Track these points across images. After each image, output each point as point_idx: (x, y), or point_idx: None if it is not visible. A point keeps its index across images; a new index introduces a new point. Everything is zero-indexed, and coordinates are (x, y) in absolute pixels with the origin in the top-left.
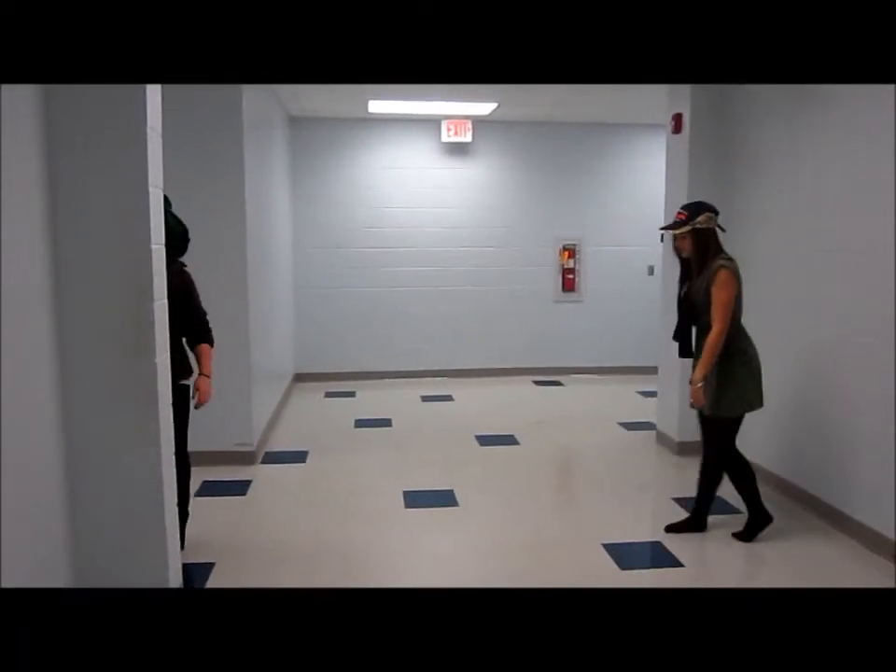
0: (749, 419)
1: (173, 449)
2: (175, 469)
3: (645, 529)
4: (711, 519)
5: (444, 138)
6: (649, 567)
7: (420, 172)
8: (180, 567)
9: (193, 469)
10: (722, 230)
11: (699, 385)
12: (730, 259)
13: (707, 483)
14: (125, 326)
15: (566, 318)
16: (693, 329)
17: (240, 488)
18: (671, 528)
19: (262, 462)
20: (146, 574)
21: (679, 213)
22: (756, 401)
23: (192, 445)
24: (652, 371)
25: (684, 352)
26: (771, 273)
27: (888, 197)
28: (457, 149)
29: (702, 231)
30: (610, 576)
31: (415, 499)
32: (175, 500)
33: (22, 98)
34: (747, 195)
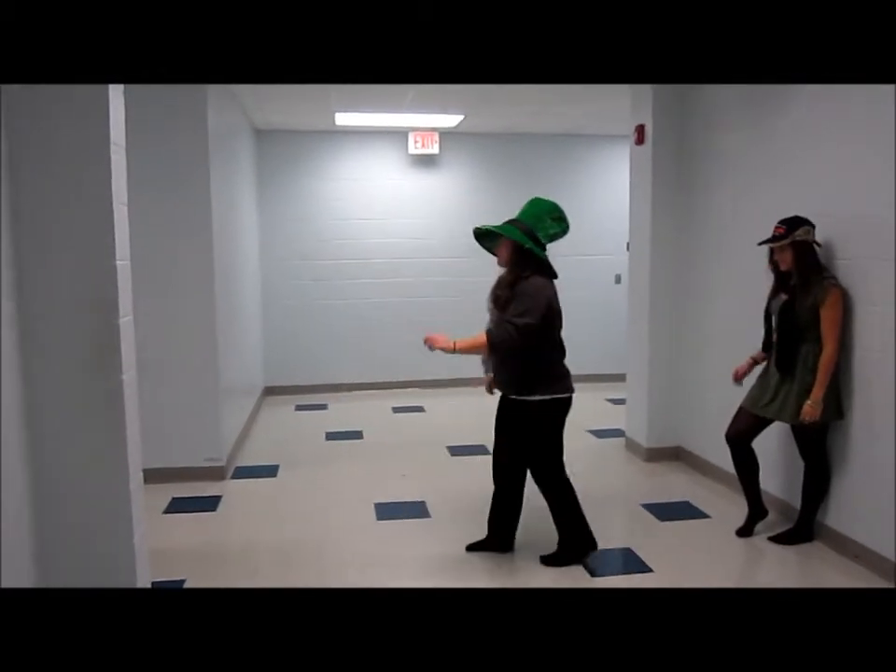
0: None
1: (140, 465)
2: (142, 486)
3: (616, 536)
4: (672, 524)
5: (411, 150)
6: (620, 574)
7: (388, 184)
8: (150, 585)
9: (160, 486)
10: (819, 245)
11: (820, 404)
12: (835, 277)
13: (818, 489)
14: (91, 343)
15: None
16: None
17: (210, 504)
18: (775, 538)
19: (232, 477)
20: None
21: (778, 227)
22: (841, 406)
23: (160, 461)
24: (621, 378)
25: (786, 366)
26: (734, 280)
27: (850, 199)
28: (425, 161)
29: (802, 243)
30: (583, 584)
31: (387, 511)
32: (142, 519)
33: None
34: (709, 203)
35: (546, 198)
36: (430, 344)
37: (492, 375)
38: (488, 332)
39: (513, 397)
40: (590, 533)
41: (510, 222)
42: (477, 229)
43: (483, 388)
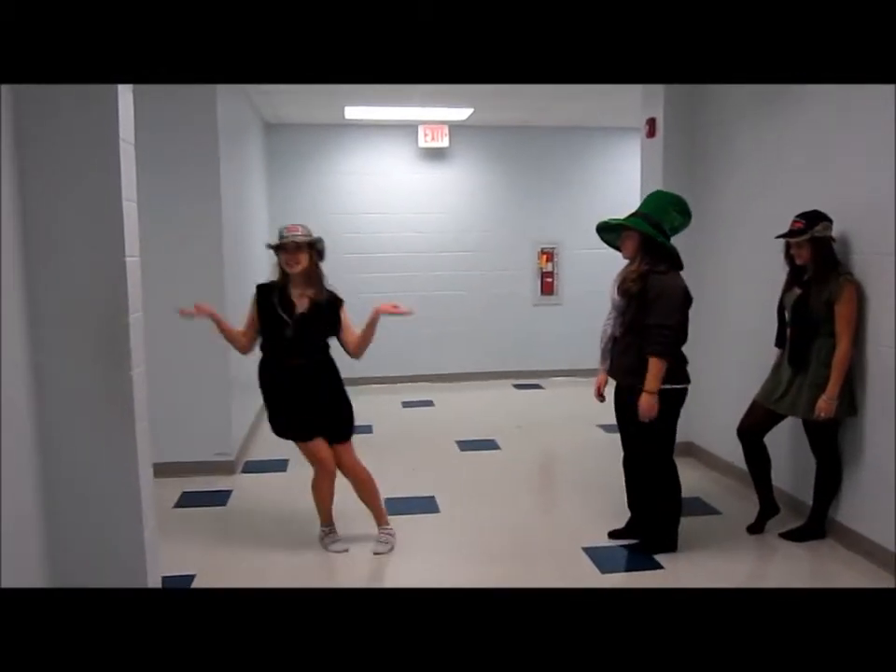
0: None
1: (150, 460)
2: (152, 480)
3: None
4: (682, 521)
5: (421, 143)
6: (629, 571)
7: (397, 177)
8: (160, 579)
9: (171, 480)
10: (834, 240)
11: (834, 400)
12: (851, 273)
13: (830, 486)
14: (101, 339)
15: (545, 321)
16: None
17: (220, 498)
18: (786, 535)
19: (243, 472)
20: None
21: (796, 221)
22: (855, 402)
23: (171, 456)
24: None
25: (799, 361)
26: (746, 274)
27: (862, 196)
28: (434, 154)
29: (820, 239)
30: (591, 579)
31: (396, 506)
32: (152, 513)
33: None
34: (720, 197)
35: (669, 190)
36: (645, 415)
37: (606, 369)
38: (655, 353)
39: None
40: (677, 530)
41: (635, 215)
42: (603, 222)
43: (493, 382)
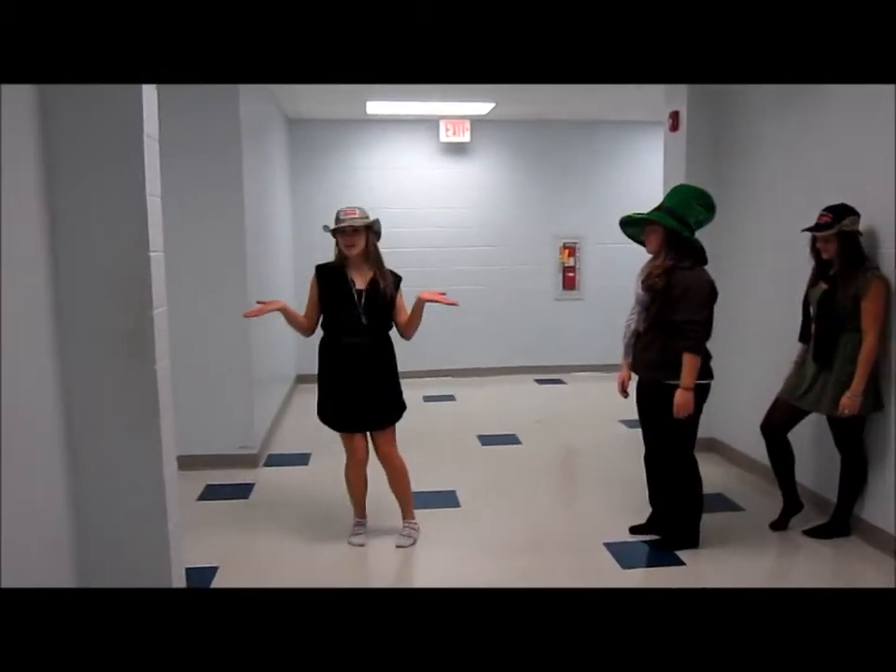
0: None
1: (175, 454)
2: (176, 474)
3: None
4: (705, 517)
5: (443, 138)
6: (650, 566)
7: (419, 172)
8: (183, 571)
9: (195, 473)
10: (860, 234)
11: (859, 397)
12: (878, 268)
13: (855, 483)
14: (125, 333)
15: (567, 316)
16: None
17: (243, 491)
18: (810, 532)
19: (265, 465)
20: (148, 578)
21: (823, 215)
22: (880, 398)
23: (194, 449)
24: None
25: (824, 357)
26: (771, 269)
27: (884, 194)
28: (456, 149)
29: (848, 233)
30: (612, 575)
31: (418, 500)
32: (176, 506)
33: (19, 107)
34: (744, 192)
35: (692, 184)
36: (682, 412)
37: (629, 364)
38: (688, 349)
39: (672, 382)
40: (698, 526)
41: (659, 209)
42: (626, 217)
43: (515, 377)
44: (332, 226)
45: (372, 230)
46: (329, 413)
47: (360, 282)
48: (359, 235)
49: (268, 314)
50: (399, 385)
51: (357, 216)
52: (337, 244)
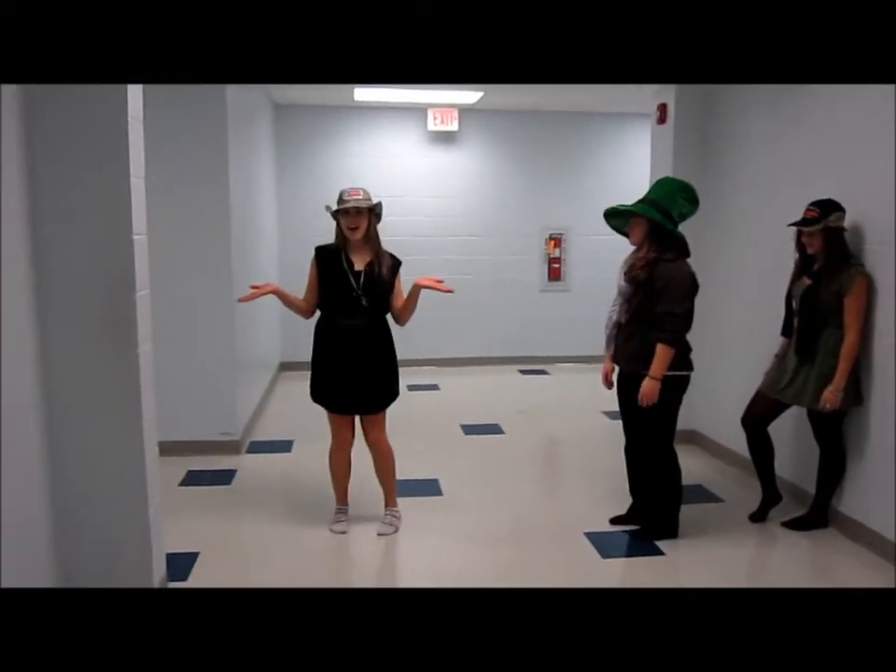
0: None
1: (156, 438)
2: (157, 459)
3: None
4: (684, 508)
5: (430, 127)
6: (630, 556)
7: (406, 161)
8: (164, 559)
9: (176, 459)
10: (845, 230)
11: (840, 392)
12: (863, 264)
13: (833, 475)
14: (107, 317)
15: (552, 307)
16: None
17: (225, 477)
18: (788, 524)
19: (247, 451)
20: (129, 563)
21: (810, 210)
22: (860, 393)
23: (176, 434)
24: None
25: (806, 351)
26: (753, 263)
27: (870, 190)
28: (444, 138)
29: (833, 229)
30: (592, 565)
31: (401, 488)
32: (157, 491)
33: (2, 89)
34: (730, 185)
35: (677, 177)
36: (646, 400)
37: (611, 355)
38: (663, 341)
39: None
40: (677, 517)
41: (643, 202)
42: (611, 208)
43: (499, 367)
44: (334, 207)
45: (374, 212)
46: (324, 394)
47: (359, 263)
48: (362, 217)
49: (263, 297)
50: (396, 370)
51: (361, 196)
52: (338, 225)
